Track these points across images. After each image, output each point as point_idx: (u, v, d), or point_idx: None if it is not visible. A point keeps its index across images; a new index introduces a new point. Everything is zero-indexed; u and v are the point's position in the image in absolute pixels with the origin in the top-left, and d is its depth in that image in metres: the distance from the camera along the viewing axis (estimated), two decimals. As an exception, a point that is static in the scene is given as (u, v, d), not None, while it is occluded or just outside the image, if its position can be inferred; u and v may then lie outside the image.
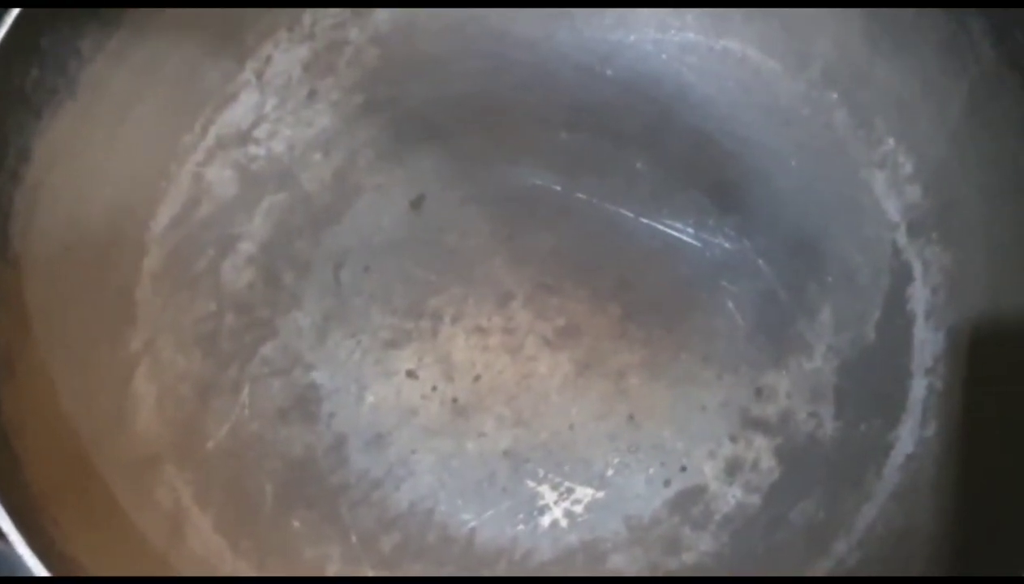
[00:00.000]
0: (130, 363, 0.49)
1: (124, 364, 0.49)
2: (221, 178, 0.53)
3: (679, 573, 0.46)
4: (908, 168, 0.50)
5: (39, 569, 0.38)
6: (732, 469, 0.48)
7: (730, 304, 0.51)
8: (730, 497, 0.48)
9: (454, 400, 0.50)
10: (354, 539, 0.47)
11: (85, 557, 0.41)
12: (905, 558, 0.45)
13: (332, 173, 0.53)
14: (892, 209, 0.50)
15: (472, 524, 0.47)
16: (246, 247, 0.52)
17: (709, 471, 0.48)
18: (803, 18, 0.52)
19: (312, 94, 0.54)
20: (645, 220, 0.52)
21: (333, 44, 0.53)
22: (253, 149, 0.53)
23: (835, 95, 0.52)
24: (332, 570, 0.47)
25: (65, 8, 0.46)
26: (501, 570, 0.47)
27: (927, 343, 0.48)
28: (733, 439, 0.49)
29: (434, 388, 0.50)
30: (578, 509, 0.48)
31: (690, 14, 0.53)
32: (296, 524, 0.47)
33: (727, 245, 0.52)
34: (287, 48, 0.53)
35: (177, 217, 0.51)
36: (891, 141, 0.51)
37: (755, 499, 0.48)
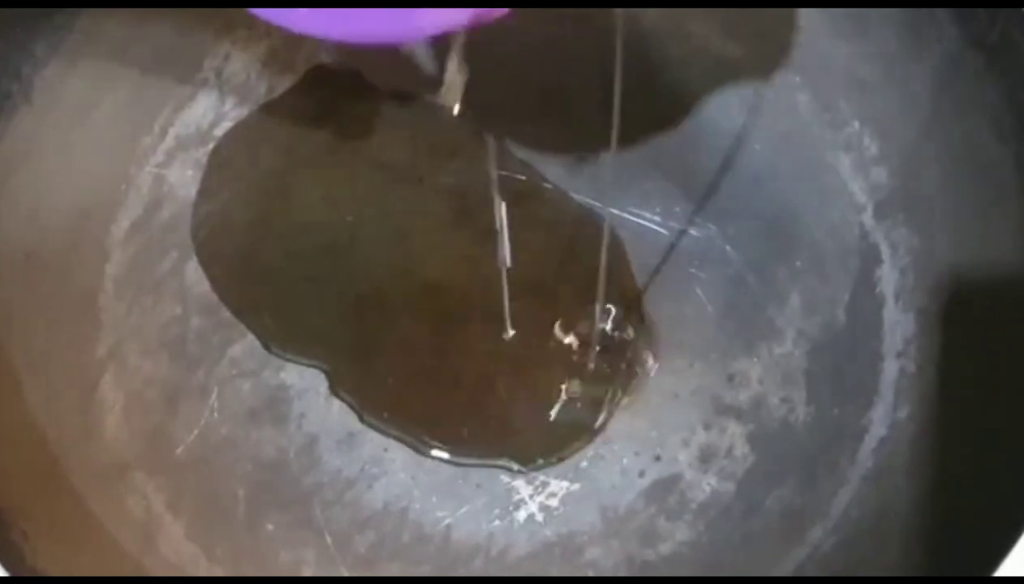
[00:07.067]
0: (96, 370, 0.49)
1: (90, 371, 0.49)
2: (182, 179, 0.52)
3: (656, 564, 0.46)
4: (873, 150, 0.50)
5: (10, 584, 0.37)
6: (706, 457, 0.48)
7: (699, 291, 0.51)
8: (705, 485, 0.48)
9: (426, 396, 0.49)
10: (329, 540, 0.47)
11: (57, 570, 0.41)
12: (880, 541, 0.45)
13: (295, 170, 0.52)
14: (859, 191, 0.51)
15: (447, 521, 0.47)
16: (210, 249, 0.51)
17: (683, 459, 0.48)
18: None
19: (271, 91, 0.53)
20: (612, 210, 0.52)
21: (291, 40, 0.53)
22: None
23: (798, 78, 0.52)
24: (308, 572, 0.46)
25: (17, 9, 0.45)
26: (478, 566, 0.47)
27: (897, 325, 0.48)
28: (706, 426, 0.49)
29: (405, 385, 0.50)
30: (553, 502, 0.47)
31: (653, -2, 0.53)
32: (270, 527, 0.47)
33: (694, 232, 0.52)
34: (245, 45, 0.53)
35: (139, 220, 0.51)
36: (856, 123, 0.51)
37: (730, 486, 0.48)
